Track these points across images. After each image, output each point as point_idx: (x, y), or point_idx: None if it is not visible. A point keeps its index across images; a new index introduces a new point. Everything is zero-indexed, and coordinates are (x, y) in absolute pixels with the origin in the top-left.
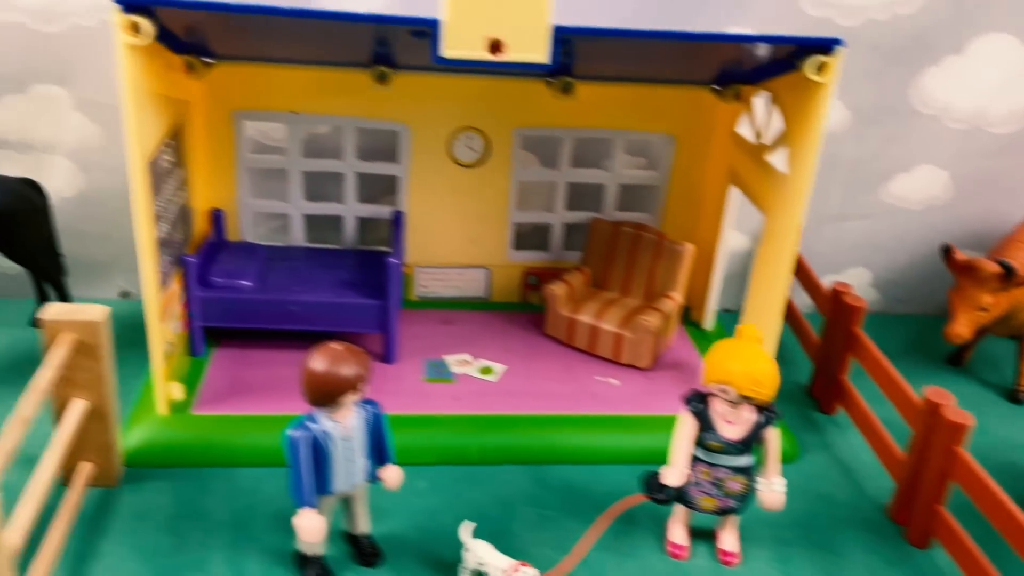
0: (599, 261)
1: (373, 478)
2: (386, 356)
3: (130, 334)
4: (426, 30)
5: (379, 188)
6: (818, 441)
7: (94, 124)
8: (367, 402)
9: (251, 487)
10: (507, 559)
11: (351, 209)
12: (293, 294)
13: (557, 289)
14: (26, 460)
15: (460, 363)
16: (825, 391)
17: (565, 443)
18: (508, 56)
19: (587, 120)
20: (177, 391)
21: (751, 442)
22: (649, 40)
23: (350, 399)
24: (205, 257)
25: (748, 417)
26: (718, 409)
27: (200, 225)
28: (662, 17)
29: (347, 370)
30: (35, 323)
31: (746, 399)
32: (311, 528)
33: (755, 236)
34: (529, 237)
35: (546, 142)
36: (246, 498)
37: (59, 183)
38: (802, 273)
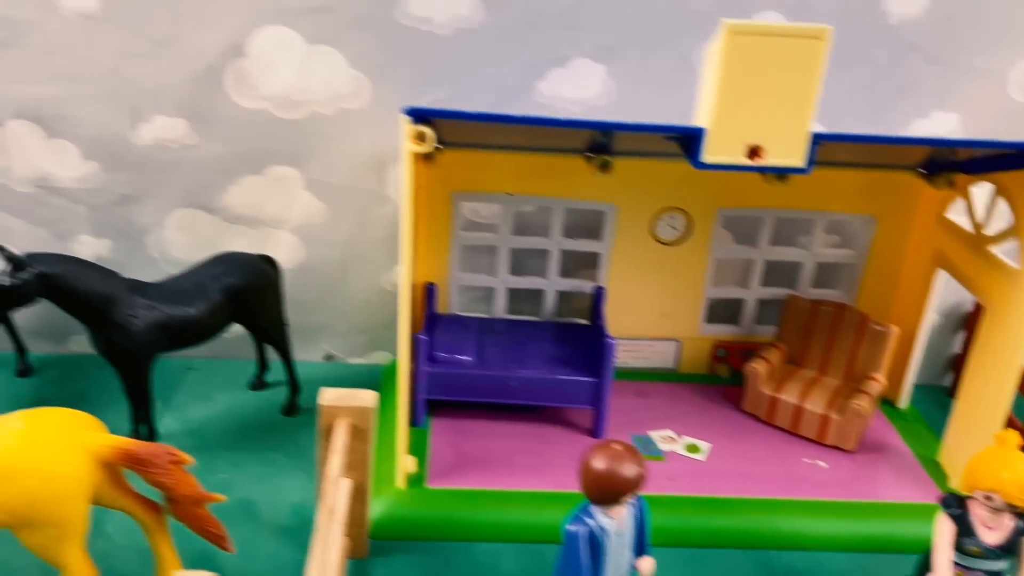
0: (795, 338)
1: (630, 571)
2: (595, 431)
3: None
4: (685, 137)
5: (579, 263)
6: None
7: (319, 202)
8: (634, 503)
9: (490, 562)
10: None
11: (552, 283)
12: (511, 370)
13: (759, 367)
14: (285, 531)
15: (665, 439)
16: None
17: (785, 528)
18: (766, 161)
19: (790, 201)
20: (411, 464)
21: (1009, 548)
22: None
23: (630, 498)
24: (428, 333)
25: (1008, 524)
26: (978, 514)
27: (416, 298)
28: (869, 106)
29: (630, 471)
30: (254, 386)
31: (1011, 507)
32: None
33: (944, 312)
34: (720, 310)
35: (745, 220)
36: (487, 573)
37: (282, 255)
38: None
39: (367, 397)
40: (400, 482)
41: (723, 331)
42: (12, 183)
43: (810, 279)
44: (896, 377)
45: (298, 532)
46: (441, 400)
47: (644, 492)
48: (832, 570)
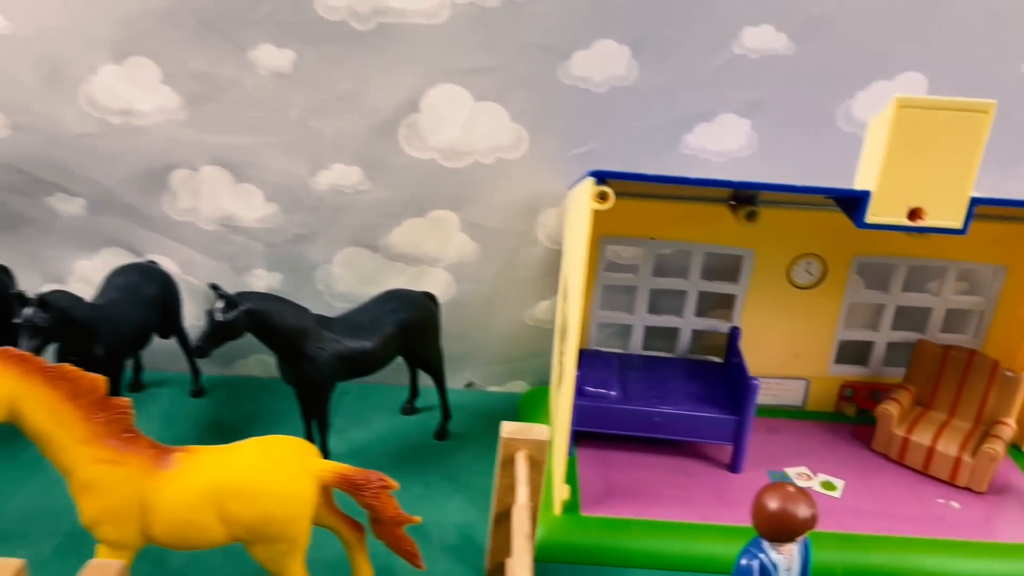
0: (925, 381)
1: None
2: (733, 466)
3: (475, 423)
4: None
5: (714, 303)
6: None
7: (473, 242)
8: (801, 541)
9: None
10: None
11: (688, 322)
12: (655, 406)
13: (891, 408)
14: (454, 550)
15: (801, 476)
16: None
17: (925, 566)
18: (925, 222)
19: (924, 251)
20: (566, 492)
21: None
22: None
23: (800, 539)
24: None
25: None
26: None
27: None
28: (1005, 159)
29: (805, 513)
30: (405, 411)
31: None
32: None
33: None
34: (849, 351)
35: (878, 267)
36: None
37: (435, 290)
38: None
39: (542, 431)
40: (557, 509)
41: (851, 371)
42: (199, 221)
43: (939, 324)
44: (1021, 420)
45: (465, 551)
46: (584, 432)
47: None
48: None
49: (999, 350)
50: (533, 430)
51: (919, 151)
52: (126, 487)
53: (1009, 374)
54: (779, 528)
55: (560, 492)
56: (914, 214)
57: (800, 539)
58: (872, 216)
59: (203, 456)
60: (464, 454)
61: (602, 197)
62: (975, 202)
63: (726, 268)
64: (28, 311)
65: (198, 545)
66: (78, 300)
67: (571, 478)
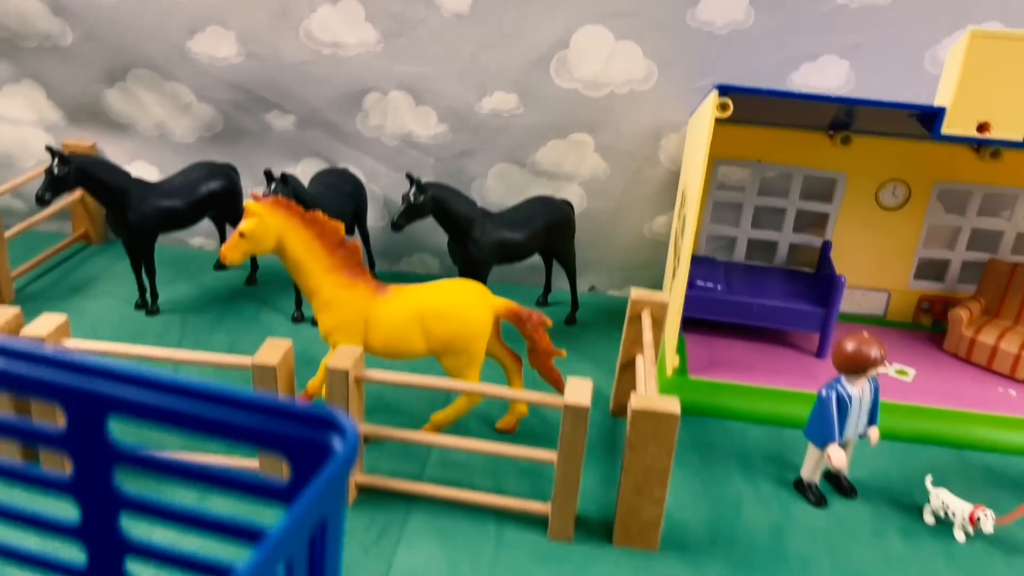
0: (993, 294)
1: (862, 435)
2: (819, 352)
3: (597, 317)
4: (926, 115)
5: (809, 221)
6: None
7: (604, 162)
8: (872, 379)
9: (741, 433)
10: (967, 503)
11: (786, 237)
12: (754, 297)
13: (962, 312)
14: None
15: None
16: None
17: (981, 435)
18: (992, 135)
19: (998, 179)
20: (676, 361)
21: None
22: None
23: (871, 373)
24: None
25: None
26: None
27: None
28: None
29: (875, 353)
30: (539, 302)
31: None
32: (839, 457)
33: None
34: (927, 269)
35: (956, 193)
36: (740, 440)
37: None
38: None
39: (663, 296)
40: (669, 372)
41: (929, 286)
42: (384, 137)
43: (1010, 246)
44: None
45: (595, 399)
46: (694, 319)
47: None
48: (1020, 468)
49: None
50: (656, 295)
51: (988, 75)
52: (355, 306)
53: None
54: (853, 363)
55: (671, 360)
56: (982, 127)
57: (871, 376)
58: (947, 128)
59: (411, 289)
60: (589, 336)
61: (723, 107)
62: None
63: (822, 190)
64: (273, 185)
65: (404, 355)
66: (303, 185)
67: (680, 352)
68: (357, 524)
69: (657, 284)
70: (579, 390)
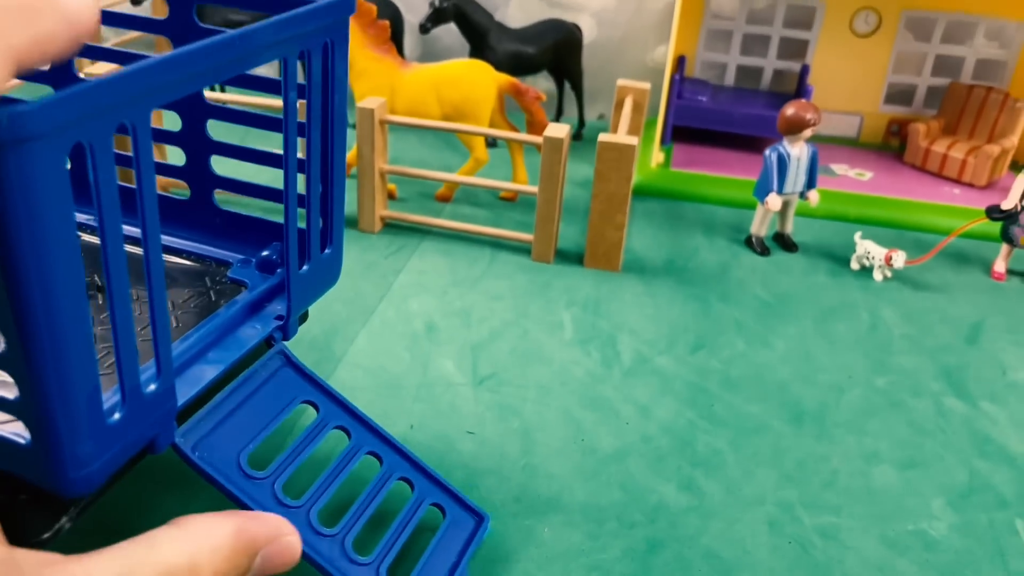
0: (952, 113)
1: (802, 195)
2: None
3: None
4: None
5: (791, 51)
6: None
7: None
8: (810, 144)
9: (710, 212)
10: (883, 249)
11: (770, 63)
12: (735, 107)
13: (919, 126)
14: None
15: (841, 168)
16: None
17: (916, 219)
18: None
19: (958, 5)
20: (660, 157)
21: None
22: None
23: (806, 134)
24: (679, 84)
25: None
26: None
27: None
28: None
29: (810, 115)
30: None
31: None
32: (775, 201)
33: None
34: (896, 94)
35: (922, 21)
36: (707, 215)
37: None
38: None
39: (645, 84)
40: (653, 165)
41: (897, 111)
42: None
43: (970, 72)
44: None
45: (584, 188)
46: (683, 129)
47: (829, 189)
48: (954, 245)
49: (1018, 92)
50: (638, 83)
51: None
52: (383, 76)
53: (1017, 103)
54: (791, 124)
55: (656, 156)
56: None
57: (808, 139)
58: None
59: (429, 65)
60: (590, 148)
61: None
62: None
63: (802, 18)
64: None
65: (422, 117)
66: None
67: (667, 156)
68: (379, 243)
69: (657, 107)
70: (557, 129)
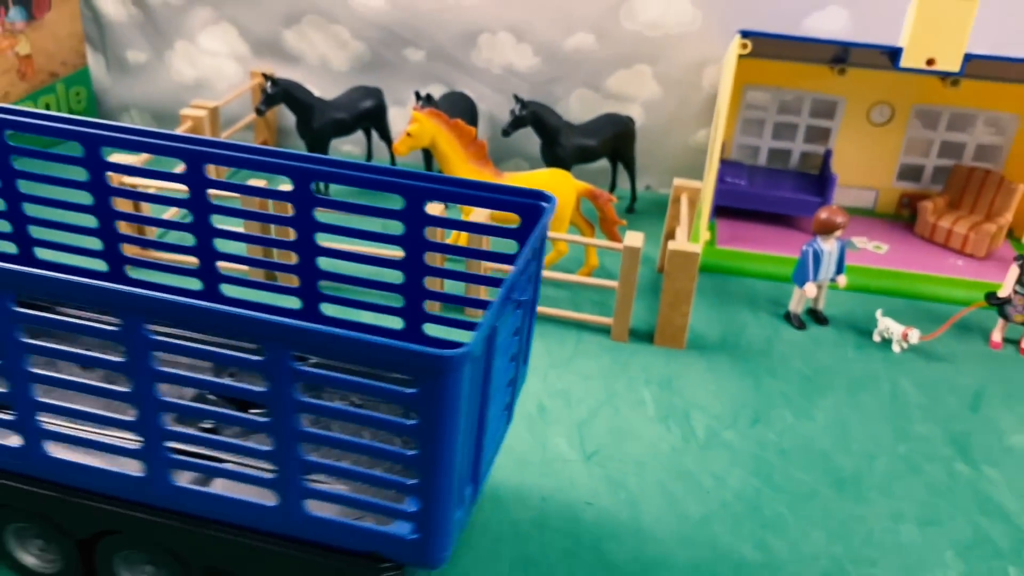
0: (955, 191)
1: (832, 279)
2: None
3: (651, 208)
4: (889, 53)
5: (815, 135)
6: None
7: (659, 87)
8: (839, 240)
9: (751, 286)
10: (901, 326)
11: (798, 146)
12: (769, 190)
13: (928, 204)
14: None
15: (861, 241)
16: None
17: (928, 291)
18: (938, 67)
19: (960, 101)
20: (707, 235)
21: None
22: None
23: (837, 234)
24: (720, 167)
25: None
26: None
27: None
28: (1018, 39)
29: (840, 219)
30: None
31: None
32: (811, 289)
33: None
34: (907, 172)
35: (930, 113)
36: (750, 290)
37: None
38: None
39: (698, 184)
40: (700, 243)
41: (908, 186)
42: (491, 68)
43: (971, 155)
44: (1022, 220)
45: (646, 261)
46: (724, 208)
47: (851, 264)
48: (951, 311)
49: (1012, 175)
50: (692, 183)
51: (933, 22)
52: None
53: (1011, 185)
54: (824, 226)
55: (703, 235)
56: (930, 62)
57: (838, 238)
58: (904, 62)
59: (520, 174)
60: (643, 220)
61: (744, 47)
62: (968, 56)
63: (826, 110)
64: (421, 102)
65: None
66: (436, 102)
67: (712, 230)
68: None
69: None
70: (634, 238)
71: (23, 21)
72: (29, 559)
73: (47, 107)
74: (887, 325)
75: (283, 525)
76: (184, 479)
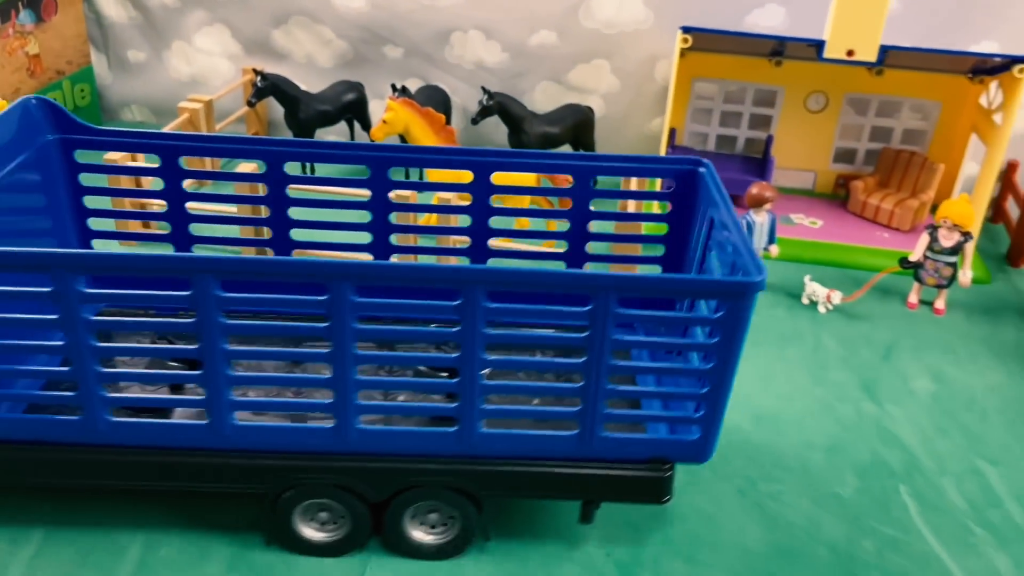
0: (884, 172)
1: (766, 249)
2: None
3: None
4: (816, 45)
5: (759, 121)
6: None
7: (616, 80)
8: (769, 213)
9: None
10: (825, 289)
11: (743, 132)
12: (719, 172)
13: (859, 183)
14: None
15: (798, 217)
16: (1016, 252)
17: (855, 259)
18: (856, 57)
19: (889, 89)
20: None
21: (956, 250)
22: (932, 53)
23: (766, 207)
24: (672, 151)
25: (955, 236)
26: (942, 232)
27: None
28: (940, 34)
29: (768, 193)
30: None
31: (955, 226)
32: None
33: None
34: (842, 155)
35: (861, 100)
36: None
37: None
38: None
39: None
40: None
41: (843, 168)
42: (463, 64)
43: (899, 138)
44: (945, 194)
45: None
46: None
47: (788, 237)
48: (879, 282)
49: (937, 154)
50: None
51: (851, 15)
52: None
53: (933, 165)
54: (755, 200)
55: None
56: (850, 53)
57: (768, 210)
58: (827, 54)
59: None
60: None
61: (685, 40)
62: (883, 48)
63: (767, 99)
64: (397, 92)
65: None
66: (411, 93)
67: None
68: None
69: None
70: None
71: (32, 23)
72: (313, 534)
73: None
74: (814, 289)
75: (583, 450)
76: (490, 426)
